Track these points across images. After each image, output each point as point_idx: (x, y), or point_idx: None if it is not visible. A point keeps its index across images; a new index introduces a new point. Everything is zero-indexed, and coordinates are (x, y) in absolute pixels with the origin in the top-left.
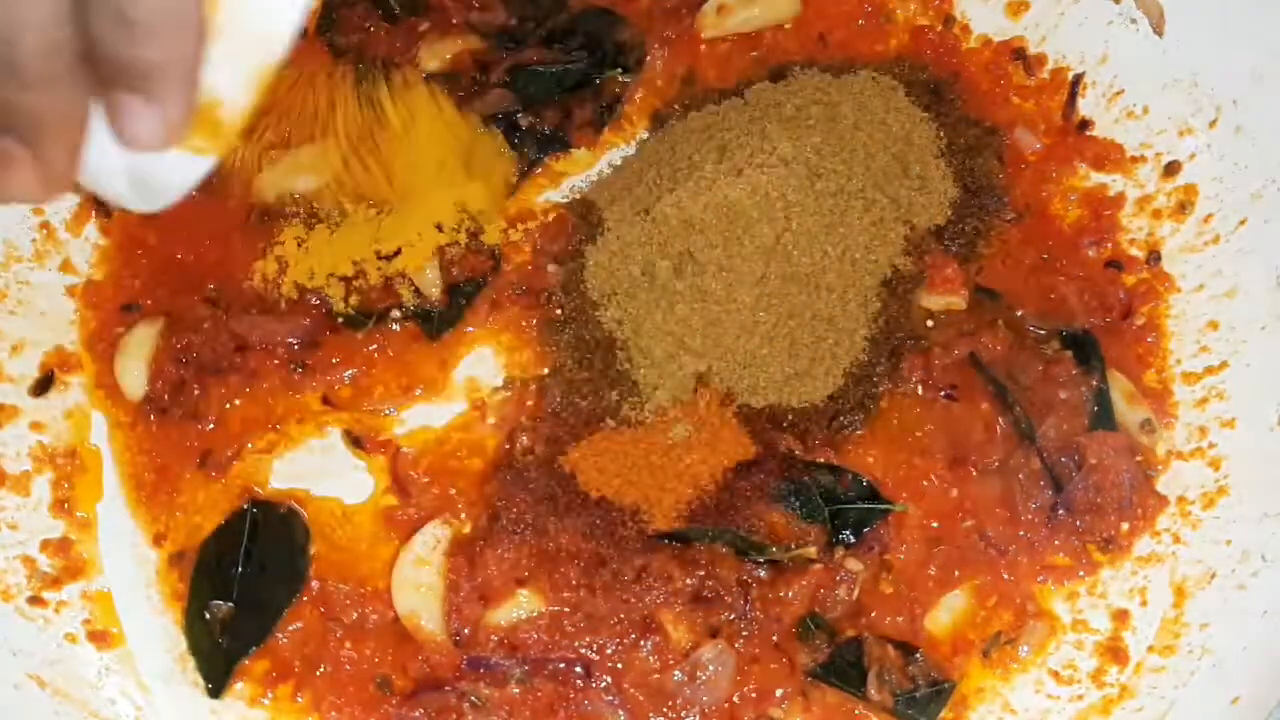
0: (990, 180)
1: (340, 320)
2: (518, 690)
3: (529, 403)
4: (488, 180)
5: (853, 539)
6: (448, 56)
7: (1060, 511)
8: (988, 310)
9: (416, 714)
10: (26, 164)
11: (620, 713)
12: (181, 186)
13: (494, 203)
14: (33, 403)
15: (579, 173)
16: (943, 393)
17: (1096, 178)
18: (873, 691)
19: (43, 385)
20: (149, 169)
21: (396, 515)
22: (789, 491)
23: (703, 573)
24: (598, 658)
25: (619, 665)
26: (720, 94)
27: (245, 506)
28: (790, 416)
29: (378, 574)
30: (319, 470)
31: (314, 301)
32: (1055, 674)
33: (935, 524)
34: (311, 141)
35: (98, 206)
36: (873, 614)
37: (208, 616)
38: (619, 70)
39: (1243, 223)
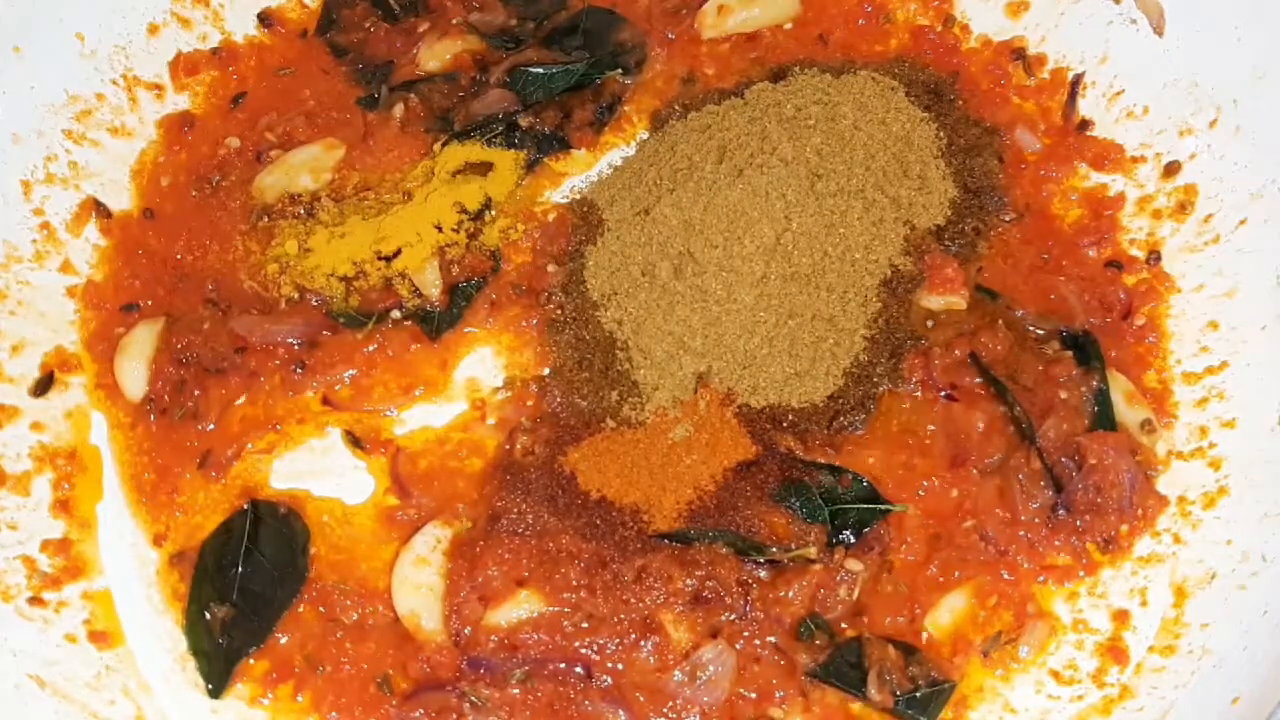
0: (990, 180)
1: (340, 320)
2: (518, 690)
3: (529, 403)
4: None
5: (853, 539)
6: (448, 56)
7: (1060, 511)
8: (988, 310)
9: (416, 714)
10: None
11: (620, 713)
12: None
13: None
14: (33, 403)
15: (579, 173)
16: (943, 393)
17: (1096, 178)
18: (873, 691)
19: (43, 385)
20: None
21: (396, 515)
22: (789, 491)
23: (703, 573)
24: (598, 658)
25: (619, 665)
26: (720, 94)
27: (245, 507)
28: (790, 416)
29: (378, 574)
30: (319, 470)
31: (314, 301)
32: (1055, 674)
33: (935, 524)
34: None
35: (98, 207)
36: (873, 614)
37: (208, 617)
38: (619, 70)
39: (1243, 223)
